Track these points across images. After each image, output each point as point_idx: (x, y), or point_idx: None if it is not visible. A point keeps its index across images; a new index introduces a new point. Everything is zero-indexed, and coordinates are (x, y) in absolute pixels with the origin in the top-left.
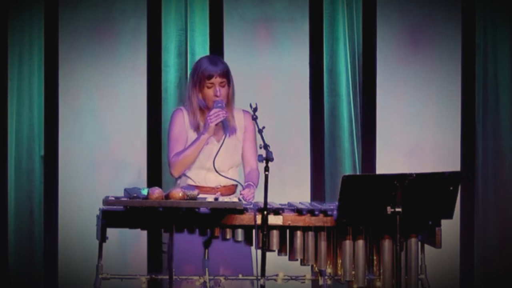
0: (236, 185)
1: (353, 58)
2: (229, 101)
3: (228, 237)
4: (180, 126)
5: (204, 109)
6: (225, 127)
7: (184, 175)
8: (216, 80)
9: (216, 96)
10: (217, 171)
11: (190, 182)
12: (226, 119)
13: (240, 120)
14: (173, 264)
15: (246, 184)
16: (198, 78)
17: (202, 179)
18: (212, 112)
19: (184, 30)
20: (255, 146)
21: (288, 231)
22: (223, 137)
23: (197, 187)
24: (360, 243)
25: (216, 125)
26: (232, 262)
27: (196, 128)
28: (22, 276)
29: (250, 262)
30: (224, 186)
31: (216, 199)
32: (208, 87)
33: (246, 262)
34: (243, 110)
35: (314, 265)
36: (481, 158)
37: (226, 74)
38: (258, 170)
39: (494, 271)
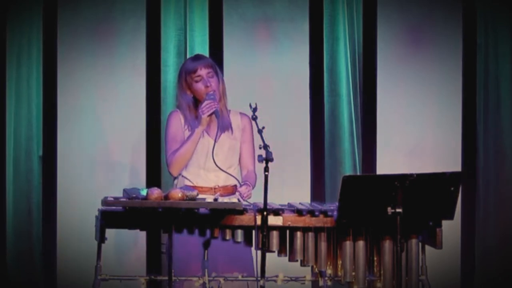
0: (235, 185)
1: (353, 58)
2: (220, 96)
3: (227, 237)
4: (177, 126)
5: (194, 106)
6: (218, 118)
7: (182, 175)
8: (202, 71)
9: (207, 86)
10: (216, 164)
11: (188, 182)
12: (218, 110)
13: (237, 121)
14: (172, 265)
15: (243, 182)
16: (183, 76)
17: (199, 179)
18: (204, 104)
19: (183, 30)
20: (252, 148)
21: (288, 231)
22: (217, 131)
23: (194, 187)
24: (361, 243)
25: (210, 116)
26: None
27: (190, 129)
28: (21, 277)
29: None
30: (223, 187)
31: (215, 199)
32: (197, 81)
33: None
34: (240, 112)
35: (314, 266)
36: (482, 158)
37: (211, 66)
38: (255, 172)
39: (495, 271)
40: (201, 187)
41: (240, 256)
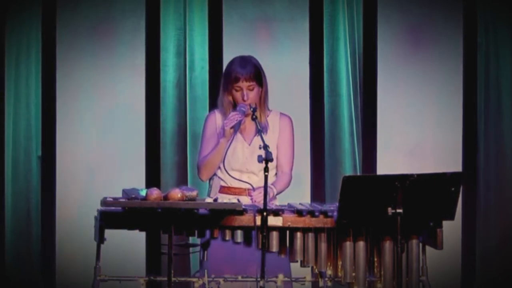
0: (270, 188)
1: (353, 58)
2: (260, 103)
3: (227, 238)
4: (211, 129)
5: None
6: (236, 131)
7: (217, 176)
8: (243, 84)
9: (244, 100)
10: (226, 171)
11: (223, 183)
12: (240, 122)
13: (275, 122)
14: (172, 265)
15: (258, 186)
16: (226, 80)
17: (233, 181)
18: (229, 115)
19: (183, 29)
20: (290, 150)
21: (288, 232)
22: (231, 139)
23: (229, 188)
24: (361, 244)
25: (232, 128)
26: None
27: (222, 131)
28: (20, 277)
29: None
30: (256, 188)
31: (215, 200)
32: (236, 90)
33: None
34: (281, 113)
35: (314, 267)
36: (482, 158)
37: (254, 77)
38: (291, 175)
39: (495, 271)
40: (235, 188)
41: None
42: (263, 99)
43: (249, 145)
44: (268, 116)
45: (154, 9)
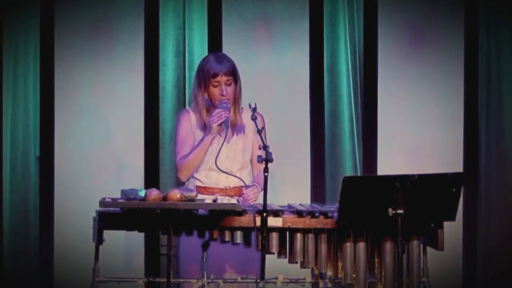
0: (256, 186)
1: (354, 57)
2: (235, 100)
3: (226, 239)
4: (186, 128)
5: (210, 108)
6: (226, 128)
7: (193, 176)
8: (222, 78)
9: (222, 95)
10: (219, 169)
11: (199, 183)
12: (228, 119)
13: (249, 119)
14: (171, 266)
15: (251, 184)
16: (203, 76)
17: (210, 180)
18: (214, 112)
19: (182, 29)
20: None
21: (288, 233)
22: (224, 137)
23: (205, 188)
24: (361, 245)
25: (219, 125)
26: None
27: (203, 128)
28: (19, 278)
29: None
30: (234, 188)
31: (214, 200)
32: (214, 86)
33: None
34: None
35: (314, 268)
36: (483, 158)
37: (232, 73)
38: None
39: (497, 273)
40: (212, 188)
41: None
42: (237, 96)
43: (221, 147)
44: (242, 113)
45: (153, 8)
